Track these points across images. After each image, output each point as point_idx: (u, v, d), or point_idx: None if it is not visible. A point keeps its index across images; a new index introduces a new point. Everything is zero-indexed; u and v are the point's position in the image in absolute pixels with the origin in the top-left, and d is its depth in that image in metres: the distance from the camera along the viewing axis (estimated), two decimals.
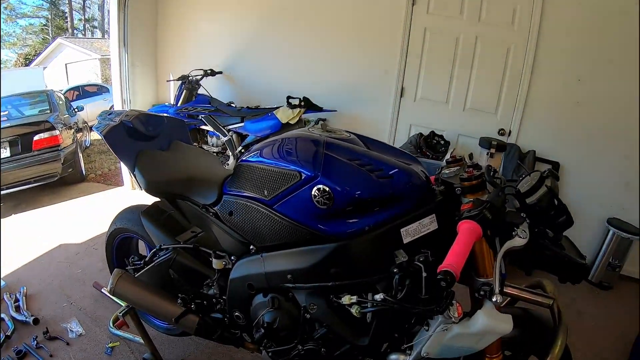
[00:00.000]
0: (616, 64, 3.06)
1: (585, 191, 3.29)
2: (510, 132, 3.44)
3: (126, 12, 4.01)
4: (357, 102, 3.88)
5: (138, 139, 1.86)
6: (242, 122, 3.72)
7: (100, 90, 11.66)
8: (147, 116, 1.94)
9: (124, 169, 4.61)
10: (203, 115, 3.80)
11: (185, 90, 3.93)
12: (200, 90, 4.02)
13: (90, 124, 8.97)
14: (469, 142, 3.48)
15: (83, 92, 11.18)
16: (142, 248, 2.34)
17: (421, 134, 3.48)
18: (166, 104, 4.33)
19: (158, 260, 1.75)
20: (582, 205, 3.27)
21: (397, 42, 3.59)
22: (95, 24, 26.86)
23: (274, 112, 3.60)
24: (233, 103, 3.93)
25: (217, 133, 3.80)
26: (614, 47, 3.05)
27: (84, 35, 24.67)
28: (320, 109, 3.64)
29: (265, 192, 1.42)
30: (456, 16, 3.40)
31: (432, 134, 3.46)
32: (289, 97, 3.65)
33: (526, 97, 3.33)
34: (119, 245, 2.24)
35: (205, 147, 3.95)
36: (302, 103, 3.59)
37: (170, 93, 4.53)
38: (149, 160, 1.78)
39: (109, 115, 2.00)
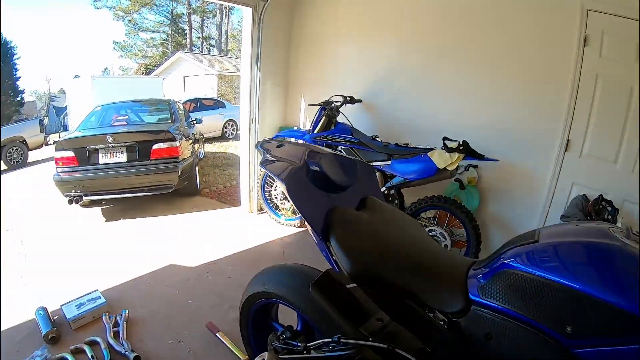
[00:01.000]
0: None
1: None
2: None
3: (261, 28, 3.76)
4: (515, 151, 3.24)
5: (326, 188, 1.34)
6: (388, 159, 3.17)
7: (216, 104, 12.05)
8: (339, 158, 1.42)
9: (243, 188, 4.32)
10: (344, 147, 3.31)
11: (324, 117, 3.49)
12: (340, 118, 3.55)
13: (206, 135, 9.26)
14: (635, 210, 2.89)
15: (200, 104, 11.63)
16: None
17: (585, 196, 2.90)
18: (295, 128, 3.97)
19: (332, 354, 1.15)
20: None
21: (566, 88, 3.04)
22: (213, 42, 29.18)
23: (427, 153, 2.99)
24: (378, 137, 3.40)
25: None
26: None
27: (201, 52, 26.78)
28: (481, 157, 2.95)
29: (569, 329, 0.91)
30: (632, 62, 2.79)
31: (600, 197, 2.84)
32: (445, 139, 3.01)
33: None
34: (257, 310, 1.72)
35: None
36: (462, 147, 2.93)
37: (300, 117, 4.17)
38: (349, 225, 1.22)
39: (277, 146, 1.52)
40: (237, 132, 11.01)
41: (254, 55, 3.82)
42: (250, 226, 4.00)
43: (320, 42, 4.09)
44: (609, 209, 2.84)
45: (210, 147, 9.50)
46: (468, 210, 3.02)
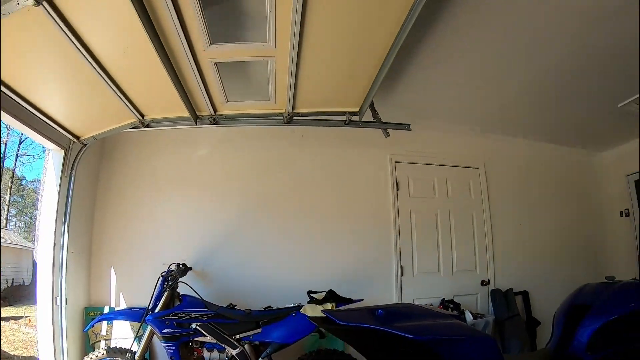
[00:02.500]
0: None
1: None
2: (488, 280, 4.07)
3: (73, 178, 2.94)
4: (369, 285, 3.68)
5: None
6: (257, 327, 2.83)
7: None
8: None
9: None
10: (199, 323, 2.77)
11: (168, 290, 2.86)
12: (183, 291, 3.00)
13: None
14: (463, 300, 3.91)
15: None
16: None
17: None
18: (116, 308, 3.16)
19: None
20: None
21: (390, 225, 3.80)
22: None
23: (299, 311, 2.86)
24: (235, 305, 3.01)
25: (222, 345, 2.78)
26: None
27: None
28: (350, 301, 3.04)
29: None
30: (431, 196, 4.04)
31: (443, 299, 3.77)
32: (310, 292, 2.99)
33: (493, 248, 4.13)
34: None
35: None
36: (329, 297, 2.96)
37: (111, 295, 3.29)
38: None
39: None
40: None
41: (61, 212, 2.89)
42: None
43: (130, 199, 3.46)
44: (451, 305, 3.71)
45: None
46: (344, 352, 3.01)
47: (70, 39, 1.79)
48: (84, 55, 1.93)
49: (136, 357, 2.76)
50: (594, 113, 3.74)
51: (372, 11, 1.86)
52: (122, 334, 3.20)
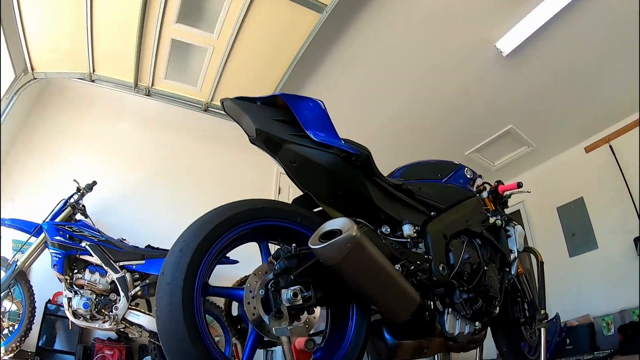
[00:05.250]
0: None
1: None
2: None
3: (9, 105, 3.28)
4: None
5: None
6: (142, 259, 3.24)
7: None
8: None
9: None
10: (90, 243, 3.09)
11: (69, 207, 3.19)
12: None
13: None
14: None
15: None
16: None
17: None
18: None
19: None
20: None
21: None
22: None
23: None
24: (125, 239, 3.40)
25: (105, 269, 3.08)
26: None
27: None
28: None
29: None
30: None
31: None
32: None
33: None
34: None
35: (84, 283, 3.01)
36: None
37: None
38: None
39: None
40: None
41: None
42: None
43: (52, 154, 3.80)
44: None
45: None
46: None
47: None
48: None
49: (18, 265, 2.92)
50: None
51: (285, 29, 3.13)
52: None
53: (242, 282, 1.40)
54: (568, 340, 3.88)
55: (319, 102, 1.53)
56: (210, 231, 1.25)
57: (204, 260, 1.23)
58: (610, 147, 4.48)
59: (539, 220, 5.02)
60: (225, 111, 1.52)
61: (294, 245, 1.30)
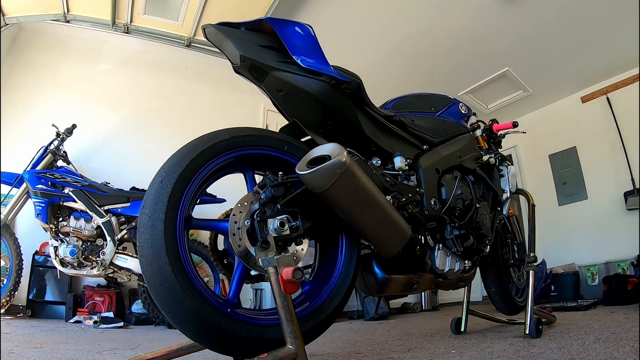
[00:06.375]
0: None
1: None
2: None
3: None
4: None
5: None
6: (127, 202, 3.18)
7: None
8: None
9: None
10: (73, 189, 3.00)
11: (50, 154, 3.08)
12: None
13: None
14: None
15: None
16: None
17: None
18: None
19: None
20: None
21: None
22: None
23: None
24: (110, 183, 3.32)
25: (90, 214, 3.02)
26: None
27: None
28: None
29: None
30: None
31: None
32: None
33: None
34: None
35: (69, 230, 2.96)
36: None
37: None
38: None
39: None
40: None
41: None
42: None
43: (27, 103, 3.58)
44: None
45: None
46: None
47: None
48: None
49: (1, 218, 2.84)
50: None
51: None
52: None
53: (228, 214, 1.34)
54: (553, 287, 4.00)
55: (308, 26, 1.41)
56: (192, 160, 1.17)
57: (187, 190, 1.15)
58: (608, 99, 4.41)
59: (530, 166, 5.04)
60: (207, 38, 1.39)
61: (280, 173, 1.23)
